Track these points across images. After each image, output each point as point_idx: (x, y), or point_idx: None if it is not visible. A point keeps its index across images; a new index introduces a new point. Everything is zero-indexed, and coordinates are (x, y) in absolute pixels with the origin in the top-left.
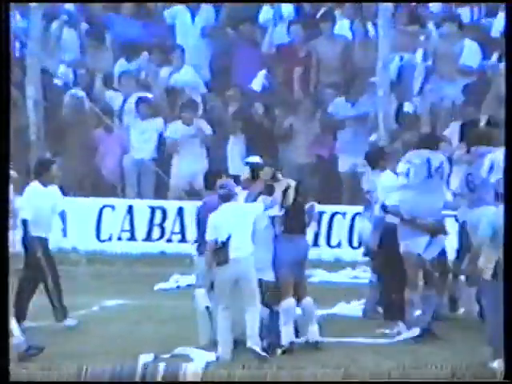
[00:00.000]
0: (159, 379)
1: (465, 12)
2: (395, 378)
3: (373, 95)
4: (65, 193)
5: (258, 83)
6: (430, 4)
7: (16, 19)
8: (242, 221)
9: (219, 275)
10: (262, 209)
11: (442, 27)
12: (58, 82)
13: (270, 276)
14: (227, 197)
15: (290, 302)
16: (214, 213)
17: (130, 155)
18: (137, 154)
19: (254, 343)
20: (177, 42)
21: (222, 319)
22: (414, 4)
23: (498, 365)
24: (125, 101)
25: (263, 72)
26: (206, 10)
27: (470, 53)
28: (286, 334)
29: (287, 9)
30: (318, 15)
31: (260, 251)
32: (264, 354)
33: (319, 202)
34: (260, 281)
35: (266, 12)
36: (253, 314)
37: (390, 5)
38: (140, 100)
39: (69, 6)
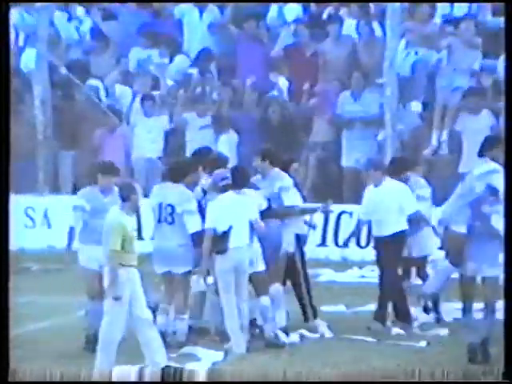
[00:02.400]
0: (165, 379)
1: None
2: (402, 378)
3: (377, 89)
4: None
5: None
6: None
7: (23, 18)
8: (242, 210)
9: (219, 264)
10: (261, 198)
11: (460, 25)
12: (65, 80)
13: (262, 266)
14: (227, 188)
15: (277, 287)
16: (212, 202)
17: (138, 154)
18: (144, 153)
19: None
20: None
21: (230, 309)
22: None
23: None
24: (133, 99)
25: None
26: (214, 8)
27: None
28: (280, 318)
29: (295, 9)
30: (325, 16)
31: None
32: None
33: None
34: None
35: (274, 11)
36: (245, 307)
37: (398, 5)
38: (145, 97)
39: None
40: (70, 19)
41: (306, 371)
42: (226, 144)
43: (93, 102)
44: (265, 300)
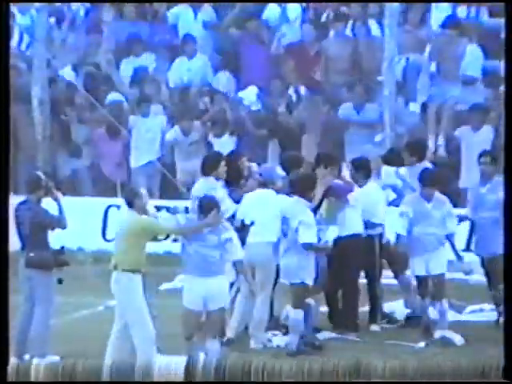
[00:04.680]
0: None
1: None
2: (401, 378)
3: (379, 97)
4: (71, 193)
5: (248, 97)
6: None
7: (18, 18)
8: (270, 208)
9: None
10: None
11: (444, 29)
12: (63, 81)
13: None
14: (265, 183)
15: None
16: (249, 194)
17: (138, 155)
18: (143, 154)
19: (259, 336)
20: (188, 33)
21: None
22: (419, 5)
23: None
24: (127, 100)
25: (255, 89)
26: (209, 7)
27: (472, 60)
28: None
29: (294, 9)
30: (331, 16)
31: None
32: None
33: None
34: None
35: (271, 10)
36: (262, 303)
37: (396, 5)
38: (141, 99)
39: (73, 6)
40: (62, 21)
41: (305, 371)
42: (224, 147)
43: (93, 105)
44: (297, 313)
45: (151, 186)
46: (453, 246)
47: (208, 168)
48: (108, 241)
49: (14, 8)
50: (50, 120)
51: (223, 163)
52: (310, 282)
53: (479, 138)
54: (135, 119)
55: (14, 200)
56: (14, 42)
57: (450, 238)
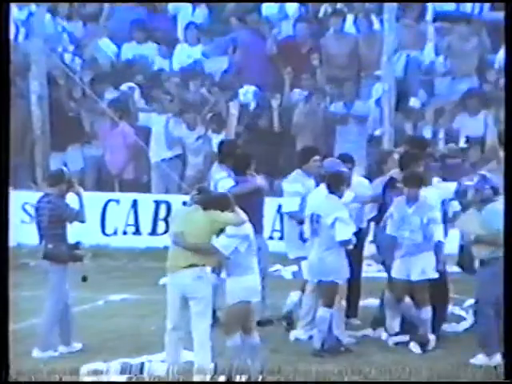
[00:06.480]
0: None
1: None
2: (402, 377)
3: (372, 94)
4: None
5: (244, 95)
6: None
7: (16, 12)
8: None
9: None
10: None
11: (450, 26)
12: (61, 75)
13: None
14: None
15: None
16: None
17: (157, 152)
18: (164, 150)
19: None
20: (191, 20)
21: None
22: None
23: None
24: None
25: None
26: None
27: None
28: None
29: (291, 7)
30: (326, 11)
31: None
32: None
33: None
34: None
35: (268, 6)
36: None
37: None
38: (150, 96)
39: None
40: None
41: (305, 369)
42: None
43: (92, 99)
44: (324, 311)
45: (169, 181)
46: (436, 256)
47: (300, 162)
48: (107, 235)
49: (11, 3)
50: (48, 115)
51: (316, 157)
52: (341, 281)
53: (476, 124)
54: (154, 115)
55: (13, 195)
56: (11, 37)
57: (436, 247)
